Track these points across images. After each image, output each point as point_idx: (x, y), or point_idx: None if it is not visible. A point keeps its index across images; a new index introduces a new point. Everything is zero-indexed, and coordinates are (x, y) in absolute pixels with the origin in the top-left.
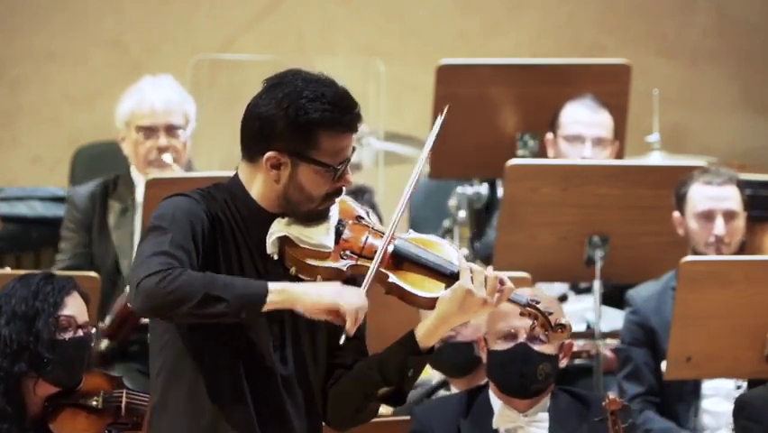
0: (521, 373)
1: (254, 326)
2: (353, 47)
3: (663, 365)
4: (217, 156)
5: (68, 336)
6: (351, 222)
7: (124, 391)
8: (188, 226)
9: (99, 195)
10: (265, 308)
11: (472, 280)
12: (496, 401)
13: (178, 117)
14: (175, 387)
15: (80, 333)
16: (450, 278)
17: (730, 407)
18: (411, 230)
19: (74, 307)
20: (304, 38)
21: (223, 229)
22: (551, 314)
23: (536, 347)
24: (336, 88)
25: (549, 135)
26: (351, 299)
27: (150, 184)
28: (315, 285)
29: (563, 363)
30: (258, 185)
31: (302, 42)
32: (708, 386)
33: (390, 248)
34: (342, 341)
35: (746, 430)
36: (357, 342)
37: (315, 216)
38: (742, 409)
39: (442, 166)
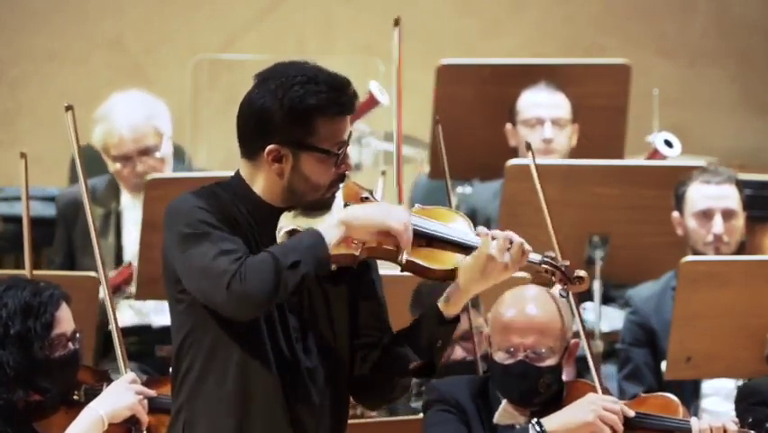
0: (521, 389)
1: (275, 318)
2: (353, 47)
3: (663, 365)
4: (218, 156)
5: (61, 353)
6: (356, 204)
7: (104, 384)
8: (217, 222)
9: (82, 201)
10: (332, 250)
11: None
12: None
13: (150, 138)
14: (204, 386)
15: (70, 346)
16: (464, 248)
17: (730, 407)
18: (417, 204)
19: (63, 321)
20: (304, 38)
21: (239, 226)
22: (567, 267)
23: (536, 363)
24: (327, 71)
25: (508, 126)
26: (399, 216)
27: (151, 184)
28: (360, 207)
29: (569, 363)
30: (261, 181)
31: (302, 42)
32: (707, 386)
33: None
34: (403, 260)
35: (749, 412)
36: (380, 321)
37: (321, 205)
38: (745, 397)
39: (442, 166)
